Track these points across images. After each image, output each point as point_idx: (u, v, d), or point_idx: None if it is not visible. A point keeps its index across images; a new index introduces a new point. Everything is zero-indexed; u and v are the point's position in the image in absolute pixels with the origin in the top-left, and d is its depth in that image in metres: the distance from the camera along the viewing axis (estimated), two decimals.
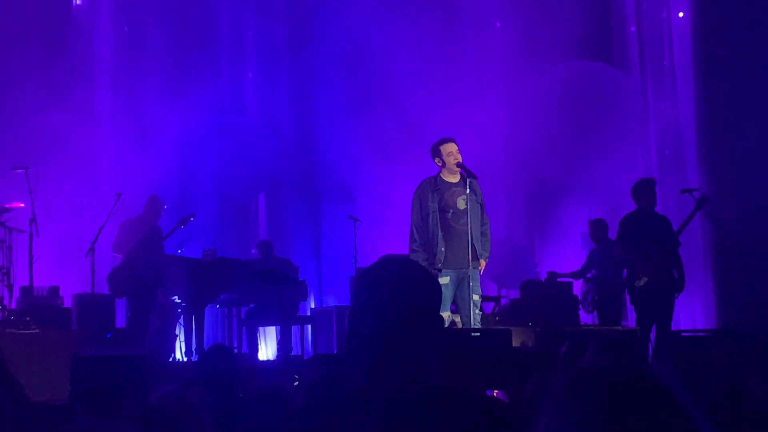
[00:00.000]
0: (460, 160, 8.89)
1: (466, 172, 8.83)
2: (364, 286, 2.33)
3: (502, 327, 9.80)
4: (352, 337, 2.31)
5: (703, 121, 13.47)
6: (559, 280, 12.39)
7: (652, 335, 9.87)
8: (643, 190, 9.95)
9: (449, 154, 8.90)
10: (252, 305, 11.89)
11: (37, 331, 9.48)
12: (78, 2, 14.36)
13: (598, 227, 12.12)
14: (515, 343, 8.79)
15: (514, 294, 13.20)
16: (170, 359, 11.28)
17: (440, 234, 8.81)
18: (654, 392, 1.63)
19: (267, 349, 13.03)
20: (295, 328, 12.30)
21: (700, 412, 1.65)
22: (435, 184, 8.96)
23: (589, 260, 12.26)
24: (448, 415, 2.17)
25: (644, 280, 9.66)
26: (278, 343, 12.07)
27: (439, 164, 8.98)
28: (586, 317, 12.52)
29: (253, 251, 13.29)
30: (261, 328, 12.36)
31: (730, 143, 12.82)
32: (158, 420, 3.17)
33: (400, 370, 2.23)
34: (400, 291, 2.27)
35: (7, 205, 11.04)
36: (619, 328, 9.24)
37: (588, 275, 12.25)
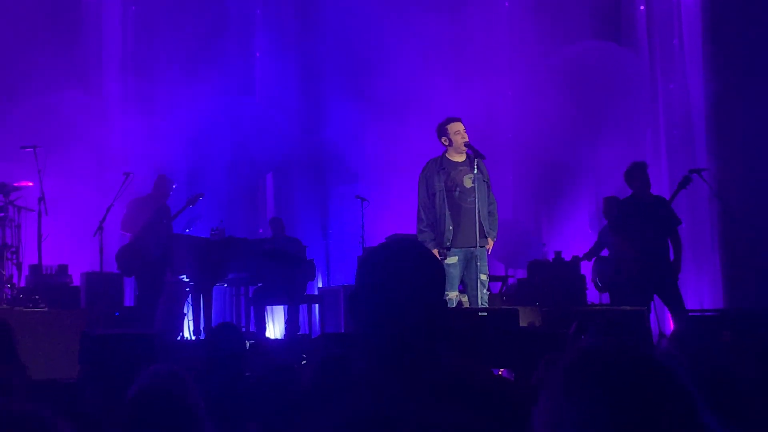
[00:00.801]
0: (467, 140, 8.87)
1: (473, 151, 8.81)
2: (367, 267, 2.33)
3: (509, 307, 9.82)
4: (356, 319, 2.32)
5: (712, 101, 13.43)
6: (572, 260, 12.37)
7: (668, 316, 9.92)
8: (636, 174, 9.92)
9: (456, 132, 8.87)
10: (260, 284, 11.92)
11: (46, 309, 9.53)
12: None
13: (612, 205, 12.02)
14: (522, 322, 8.79)
15: (522, 274, 13.20)
16: (178, 338, 11.33)
17: (448, 213, 8.80)
18: (652, 373, 1.64)
19: (275, 328, 13.07)
20: (302, 308, 12.35)
21: (702, 393, 1.66)
22: (441, 163, 8.94)
23: (601, 238, 12.22)
24: (458, 395, 2.18)
25: (629, 263, 9.73)
26: (286, 323, 12.12)
27: (446, 143, 8.96)
28: (595, 296, 12.54)
29: (260, 230, 13.32)
30: (269, 308, 12.40)
31: (739, 123, 12.79)
32: (148, 400, 3.18)
33: (407, 351, 2.24)
34: (403, 272, 2.27)
35: (16, 184, 11.06)
36: (627, 308, 9.22)
37: (602, 253, 12.23)
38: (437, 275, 2.34)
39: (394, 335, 2.25)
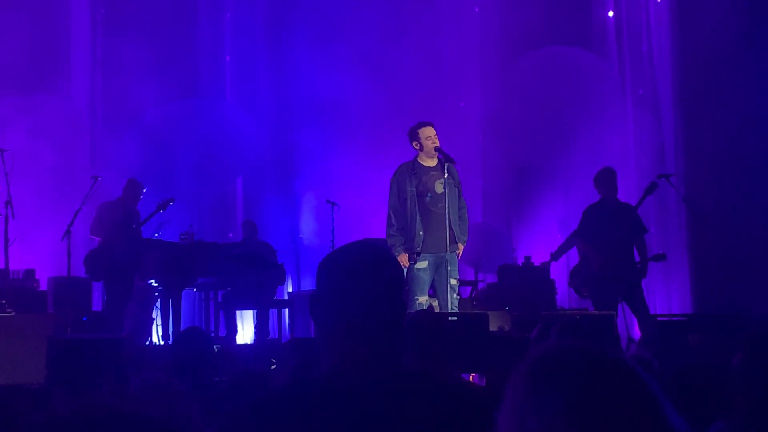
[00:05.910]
0: (438, 144, 8.87)
1: (444, 156, 8.81)
2: (327, 270, 2.35)
3: (479, 311, 9.83)
4: (317, 321, 2.33)
5: (680, 106, 13.51)
6: (542, 265, 12.36)
7: (635, 321, 9.96)
8: (604, 179, 9.97)
9: (427, 138, 8.87)
10: (229, 289, 11.87)
11: (13, 314, 9.43)
12: None
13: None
14: (492, 327, 8.80)
15: (492, 278, 13.22)
16: (147, 343, 11.26)
17: (418, 218, 8.79)
18: (613, 371, 1.64)
19: (244, 333, 13.03)
20: (272, 312, 12.31)
21: (668, 397, 1.66)
22: (412, 168, 8.93)
23: (573, 237, 12.14)
24: (420, 397, 2.18)
25: (593, 268, 9.74)
26: (255, 327, 12.07)
27: (417, 148, 8.96)
28: (565, 300, 12.55)
29: (230, 234, 13.26)
30: (238, 312, 12.35)
31: (708, 128, 12.85)
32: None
33: (368, 353, 2.26)
34: (362, 274, 2.30)
35: None
36: (596, 312, 9.25)
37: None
38: (396, 276, 2.36)
39: (354, 336, 2.26)
